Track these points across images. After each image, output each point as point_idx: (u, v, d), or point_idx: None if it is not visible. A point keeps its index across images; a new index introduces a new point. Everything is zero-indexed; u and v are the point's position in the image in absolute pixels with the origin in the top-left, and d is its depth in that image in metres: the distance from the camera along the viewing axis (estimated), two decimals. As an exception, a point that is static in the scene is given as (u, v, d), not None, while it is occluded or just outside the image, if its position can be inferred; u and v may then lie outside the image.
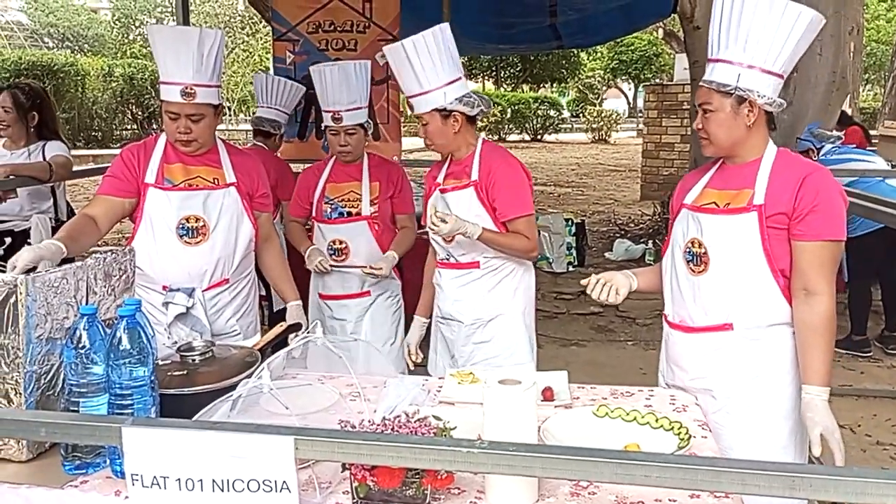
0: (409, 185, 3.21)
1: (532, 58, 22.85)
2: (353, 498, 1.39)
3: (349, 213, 3.05)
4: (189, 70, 2.25)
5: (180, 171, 2.40)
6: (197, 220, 2.37)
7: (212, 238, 2.38)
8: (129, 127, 17.83)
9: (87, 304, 1.65)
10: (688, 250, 1.90)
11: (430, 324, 2.73)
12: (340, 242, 3.05)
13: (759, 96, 1.78)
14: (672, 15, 6.90)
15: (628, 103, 29.40)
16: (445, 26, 2.39)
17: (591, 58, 25.49)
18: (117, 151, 2.59)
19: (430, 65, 2.34)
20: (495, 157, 2.49)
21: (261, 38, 23.53)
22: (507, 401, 1.38)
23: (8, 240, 3.44)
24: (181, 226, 2.36)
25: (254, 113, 4.40)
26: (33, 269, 1.79)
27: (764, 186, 1.80)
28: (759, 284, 1.82)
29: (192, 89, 2.26)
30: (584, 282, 2.05)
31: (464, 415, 1.75)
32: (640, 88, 27.91)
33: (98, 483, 1.47)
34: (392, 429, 1.40)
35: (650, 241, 6.55)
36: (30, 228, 3.42)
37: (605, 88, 28.13)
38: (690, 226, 1.91)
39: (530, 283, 2.62)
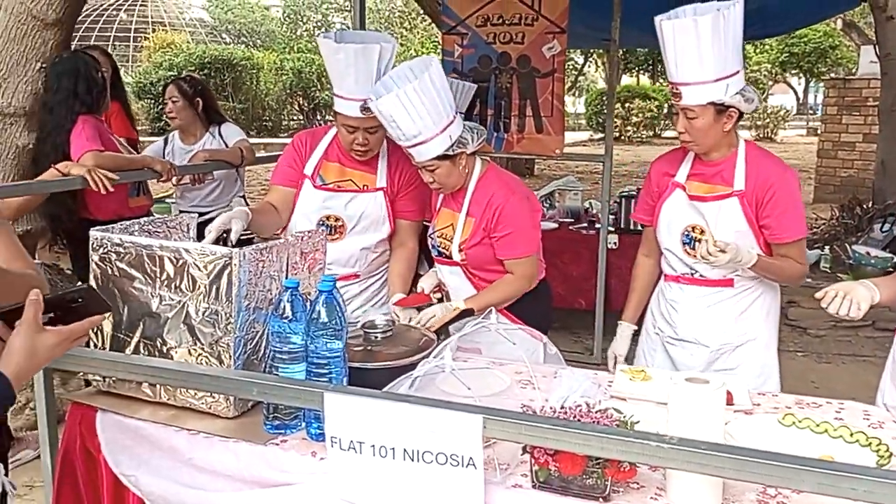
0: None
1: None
2: (533, 481, 1.42)
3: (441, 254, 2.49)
4: (368, 86, 2.21)
5: (335, 171, 2.47)
6: (336, 219, 2.46)
7: (347, 237, 2.46)
8: (296, 118, 18.94)
9: (287, 278, 1.79)
10: None
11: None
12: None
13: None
14: (861, 4, 6.38)
15: (797, 99, 27.45)
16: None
17: (757, 50, 24.00)
18: (285, 141, 2.74)
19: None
20: (767, 164, 2.15)
21: (418, 34, 24.16)
22: (696, 400, 1.35)
23: None
24: (321, 222, 2.45)
25: None
26: (224, 241, 1.95)
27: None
28: None
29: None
30: (818, 294, 1.86)
31: (636, 411, 1.73)
32: (814, 83, 26.03)
33: (296, 443, 1.60)
34: (574, 417, 1.41)
35: (826, 247, 6.08)
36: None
37: (771, 83, 26.41)
38: None
39: (779, 304, 2.34)
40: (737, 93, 2.03)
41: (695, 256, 2.18)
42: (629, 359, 2.44)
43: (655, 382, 1.95)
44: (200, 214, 3.57)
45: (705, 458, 1.16)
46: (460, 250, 2.34)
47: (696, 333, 2.27)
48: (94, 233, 1.78)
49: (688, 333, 2.29)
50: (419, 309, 2.32)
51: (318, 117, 18.05)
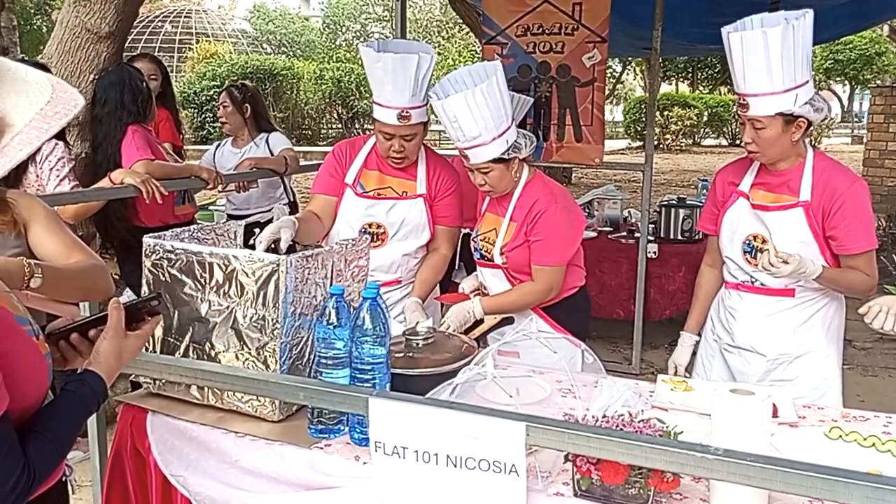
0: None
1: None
2: (575, 490, 1.42)
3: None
4: (406, 95, 2.31)
5: (375, 178, 2.52)
6: (378, 226, 2.51)
7: (389, 244, 2.51)
8: (335, 126, 19.16)
9: (331, 285, 1.83)
10: None
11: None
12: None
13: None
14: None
15: (842, 106, 26.87)
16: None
17: (801, 57, 23.56)
18: (324, 149, 2.81)
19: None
20: (835, 174, 2.11)
21: (455, 43, 24.25)
22: (741, 411, 1.34)
23: (257, 230, 3.86)
24: (363, 230, 2.50)
25: None
26: (274, 249, 2.00)
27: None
28: None
29: (407, 112, 2.34)
30: (862, 310, 1.83)
31: (678, 422, 1.72)
32: (859, 90, 25.45)
33: (340, 447, 1.63)
34: (617, 426, 1.42)
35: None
36: (272, 217, 3.81)
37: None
38: None
39: (843, 317, 2.27)
40: (806, 102, 2.00)
41: (756, 266, 2.15)
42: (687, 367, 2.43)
43: (697, 393, 1.93)
44: (240, 217, 3.67)
45: (752, 469, 1.15)
46: (501, 253, 2.36)
47: (753, 341, 2.24)
48: (148, 239, 1.84)
49: (745, 341, 2.26)
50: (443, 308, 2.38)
51: (357, 126, 18.23)
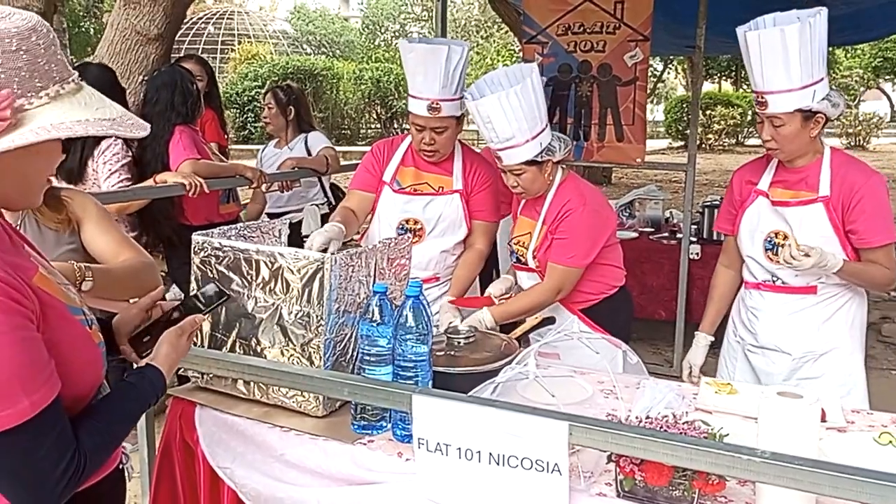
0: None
1: (778, 56, 21.09)
2: (618, 490, 1.42)
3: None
4: (436, 86, 2.35)
5: (412, 175, 2.55)
6: (416, 222, 2.53)
7: (427, 240, 2.53)
8: (373, 126, 19.28)
9: (374, 283, 1.85)
10: None
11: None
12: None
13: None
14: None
15: (891, 105, 26.12)
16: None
17: (848, 55, 23.01)
18: (363, 149, 2.87)
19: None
20: (852, 169, 2.13)
21: (494, 42, 24.21)
22: (789, 414, 1.32)
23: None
24: (401, 226, 2.53)
25: None
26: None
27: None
28: None
29: (437, 104, 2.37)
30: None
31: (723, 424, 1.70)
32: (910, 89, 24.74)
33: (382, 444, 1.65)
34: (661, 428, 1.41)
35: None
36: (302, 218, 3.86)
37: (863, 89, 25.23)
38: None
39: (865, 312, 2.28)
40: (823, 98, 2.03)
41: (778, 262, 2.16)
42: (705, 370, 2.40)
43: (742, 396, 1.91)
44: (274, 216, 3.72)
45: (800, 473, 1.14)
46: (534, 257, 2.37)
47: (777, 341, 2.24)
48: (196, 237, 1.88)
49: (769, 341, 2.26)
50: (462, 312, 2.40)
51: (396, 126, 18.32)
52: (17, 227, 1.89)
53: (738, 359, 2.37)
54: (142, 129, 1.06)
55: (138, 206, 3.08)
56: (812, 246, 2.03)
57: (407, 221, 2.54)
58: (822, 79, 2.03)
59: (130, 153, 3.03)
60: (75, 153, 2.91)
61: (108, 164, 2.92)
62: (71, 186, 2.71)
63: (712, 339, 2.42)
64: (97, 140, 2.92)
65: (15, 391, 0.97)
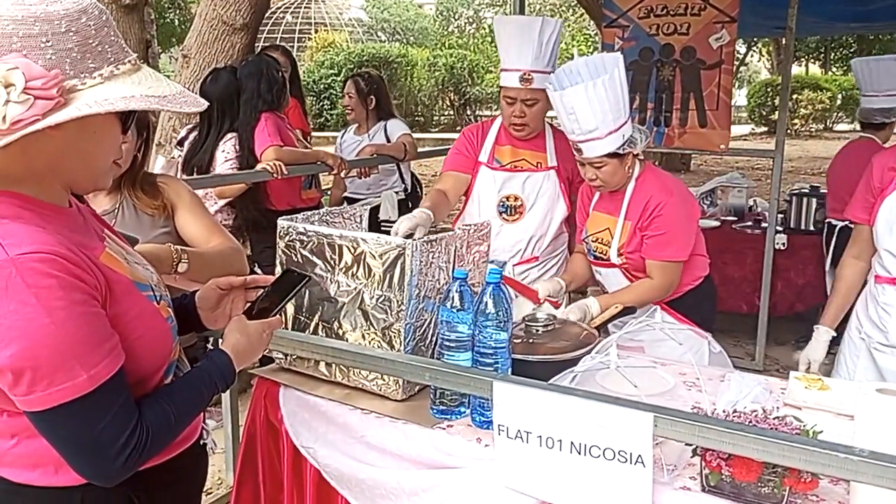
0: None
1: (871, 37, 20.01)
2: (703, 485, 1.39)
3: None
4: (528, 57, 2.39)
5: (508, 152, 2.59)
6: (516, 199, 2.56)
7: (527, 216, 2.55)
8: (447, 113, 19.33)
9: (454, 269, 1.85)
10: None
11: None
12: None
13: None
14: None
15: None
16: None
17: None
18: (436, 135, 2.94)
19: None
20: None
21: (568, 26, 23.81)
22: (889, 412, 1.26)
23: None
24: (501, 203, 2.56)
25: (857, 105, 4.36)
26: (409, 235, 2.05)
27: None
28: None
29: (529, 75, 2.40)
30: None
31: (814, 421, 1.64)
32: None
33: (461, 429, 1.66)
34: (749, 422, 1.37)
35: None
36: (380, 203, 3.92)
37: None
38: None
39: None
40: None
41: None
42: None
43: (834, 392, 1.83)
44: (353, 201, 3.79)
45: (901, 474, 1.09)
46: (620, 254, 2.32)
47: None
48: (282, 222, 1.93)
49: None
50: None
51: (469, 112, 18.31)
52: (115, 212, 1.98)
53: (860, 357, 2.23)
54: (195, 105, 1.05)
55: (235, 191, 3.22)
56: None
57: (507, 198, 2.57)
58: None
59: (238, 150, 3.25)
60: (205, 152, 3.23)
61: (225, 153, 3.12)
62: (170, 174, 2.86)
63: (834, 334, 2.27)
64: (219, 136, 3.19)
65: (73, 365, 0.97)
